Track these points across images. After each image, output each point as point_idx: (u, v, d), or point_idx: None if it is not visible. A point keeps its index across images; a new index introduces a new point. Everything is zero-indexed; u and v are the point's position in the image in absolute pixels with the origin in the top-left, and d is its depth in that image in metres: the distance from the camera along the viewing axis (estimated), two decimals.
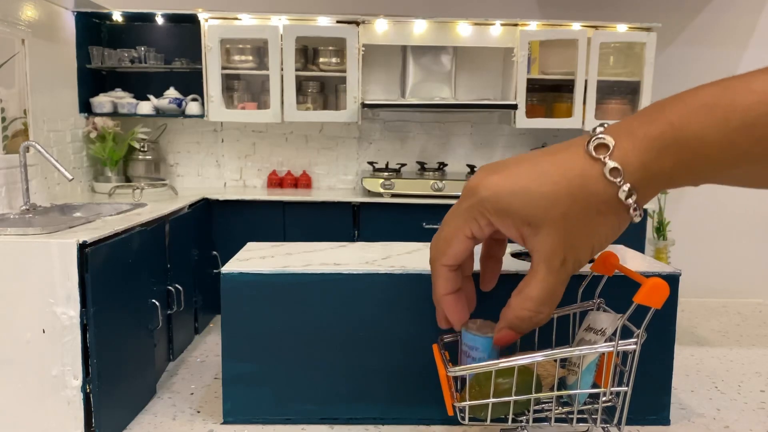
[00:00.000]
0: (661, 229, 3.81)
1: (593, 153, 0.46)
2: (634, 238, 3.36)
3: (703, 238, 4.10)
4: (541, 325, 0.53)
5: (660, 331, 2.24)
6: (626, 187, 0.46)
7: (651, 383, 2.27)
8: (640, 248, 3.37)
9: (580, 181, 0.46)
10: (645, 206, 0.45)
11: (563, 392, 1.46)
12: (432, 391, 2.20)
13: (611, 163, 0.45)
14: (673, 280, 2.22)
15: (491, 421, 0.99)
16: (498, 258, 0.62)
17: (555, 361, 1.23)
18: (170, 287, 2.76)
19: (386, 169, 3.66)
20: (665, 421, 2.34)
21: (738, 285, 4.14)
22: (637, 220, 0.48)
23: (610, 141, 0.45)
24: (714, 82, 0.43)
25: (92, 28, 3.63)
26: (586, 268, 2.34)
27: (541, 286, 0.50)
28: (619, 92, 3.74)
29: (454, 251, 0.55)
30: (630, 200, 0.46)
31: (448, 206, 3.05)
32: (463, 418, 1.19)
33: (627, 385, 1.43)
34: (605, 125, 0.47)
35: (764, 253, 4.12)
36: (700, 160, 0.43)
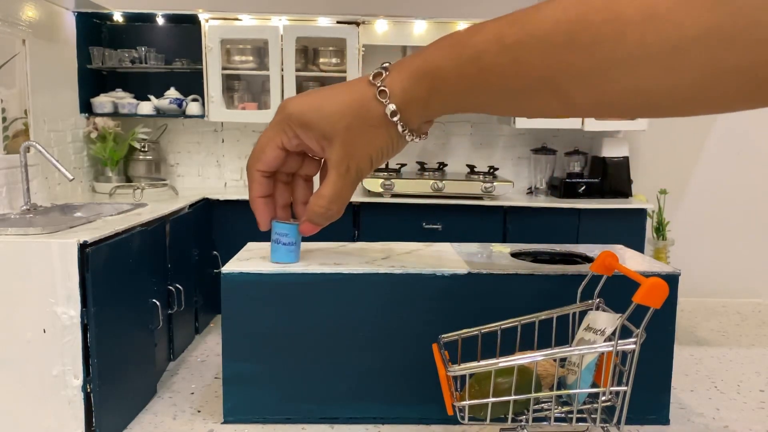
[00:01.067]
0: (660, 229, 3.82)
1: (371, 79, 0.56)
2: (634, 238, 3.37)
3: (702, 238, 4.10)
4: (333, 220, 0.65)
5: (659, 331, 2.25)
6: (391, 106, 0.55)
7: (651, 383, 2.28)
8: (640, 248, 3.37)
9: (360, 101, 0.57)
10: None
11: (563, 392, 1.47)
12: (432, 390, 2.20)
13: (381, 87, 0.56)
14: (672, 279, 2.23)
15: (491, 420, 1.00)
16: (306, 176, 0.72)
17: (554, 360, 1.24)
18: (171, 287, 2.77)
19: (386, 169, 3.66)
20: (665, 421, 2.34)
21: (737, 285, 4.14)
22: (410, 139, 0.58)
23: (384, 71, 0.56)
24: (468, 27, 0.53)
25: (93, 29, 3.64)
26: (585, 269, 2.33)
27: (331, 188, 0.62)
28: None
29: (266, 158, 0.64)
30: (395, 118, 0.56)
31: (448, 206, 3.08)
32: (462, 418, 1.20)
33: (626, 385, 1.43)
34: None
35: (764, 253, 4.12)
36: (444, 88, 0.52)
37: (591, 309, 1.63)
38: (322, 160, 0.67)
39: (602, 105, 0.46)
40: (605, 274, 1.65)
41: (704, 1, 0.37)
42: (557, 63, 0.44)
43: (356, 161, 0.60)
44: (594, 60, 0.42)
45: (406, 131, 0.57)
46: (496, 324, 1.67)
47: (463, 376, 1.52)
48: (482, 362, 1.43)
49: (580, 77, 0.44)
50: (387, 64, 0.58)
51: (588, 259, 2.35)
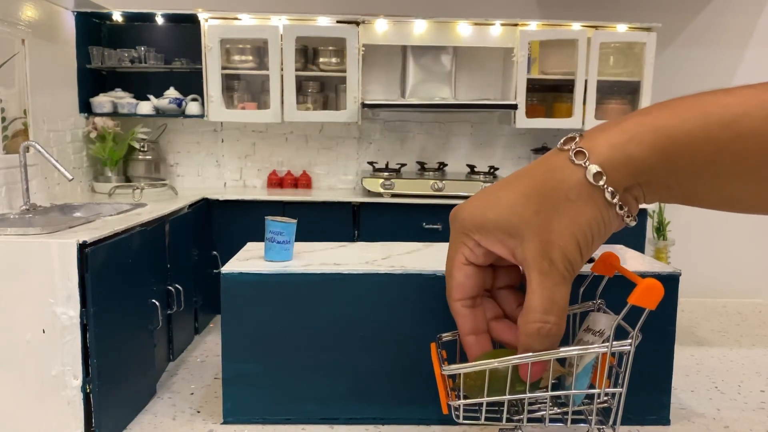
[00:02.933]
0: (661, 229, 3.81)
1: (560, 145, 0.46)
2: (634, 238, 3.37)
3: (703, 238, 4.10)
4: (557, 337, 0.51)
5: (660, 331, 2.24)
6: (593, 168, 0.44)
7: (651, 383, 2.27)
8: (640, 248, 3.37)
9: (546, 175, 0.46)
10: (641, 206, 0.44)
11: (558, 392, 1.47)
12: (432, 391, 2.20)
13: (577, 148, 0.45)
14: (672, 280, 2.22)
15: (486, 419, 1.00)
16: (508, 287, 0.57)
17: (554, 360, 1.22)
18: (170, 287, 2.77)
19: (386, 169, 3.66)
20: (665, 421, 2.34)
21: (738, 285, 4.14)
22: (623, 214, 0.46)
23: (577, 136, 0.46)
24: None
25: (92, 28, 3.63)
26: (587, 269, 2.33)
27: (538, 294, 0.48)
28: (619, 92, 3.74)
29: (457, 282, 0.53)
30: (601, 182, 0.44)
31: (449, 206, 3.05)
32: (458, 417, 1.20)
33: (621, 386, 1.43)
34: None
35: (764, 253, 4.12)
36: (677, 150, 0.42)
37: (592, 310, 1.63)
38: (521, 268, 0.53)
39: None
40: (606, 275, 1.64)
41: None
42: None
43: (559, 250, 0.46)
44: None
45: (617, 199, 0.45)
46: None
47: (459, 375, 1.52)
48: (476, 362, 1.43)
49: None
50: (576, 135, 0.47)
51: (588, 260, 2.35)
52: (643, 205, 2.90)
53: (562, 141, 0.46)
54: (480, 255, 0.51)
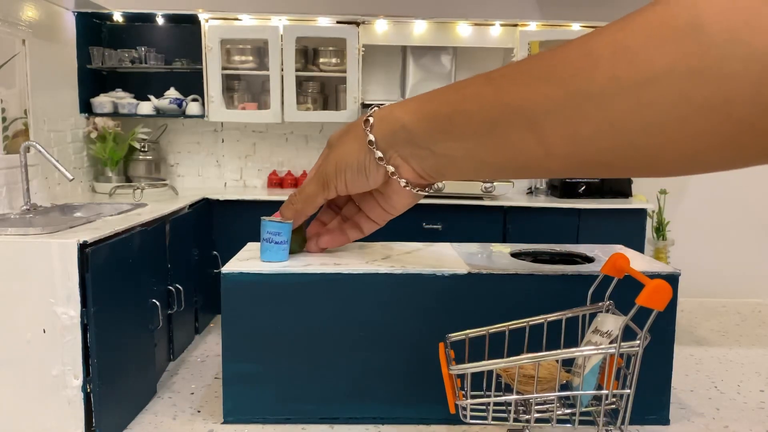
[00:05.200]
0: (660, 229, 3.82)
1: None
2: (634, 238, 3.37)
3: (702, 238, 4.10)
4: (295, 212, 0.80)
5: (659, 331, 2.25)
6: (369, 117, 0.61)
7: (651, 383, 2.28)
8: (640, 248, 3.37)
9: (354, 124, 0.64)
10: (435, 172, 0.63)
11: (565, 393, 1.47)
12: (432, 390, 2.20)
13: (375, 108, 0.62)
14: (672, 280, 2.23)
15: (493, 419, 1.00)
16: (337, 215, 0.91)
17: (557, 362, 1.23)
18: (170, 287, 2.77)
19: None
20: (665, 421, 2.34)
21: (737, 285, 4.14)
22: (378, 156, 0.61)
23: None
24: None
25: (92, 29, 3.63)
26: (586, 269, 2.34)
27: (304, 184, 0.75)
28: None
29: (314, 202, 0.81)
30: (366, 128, 0.60)
31: (449, 206, 3.08)
32: (465, 416, 1.20)
33: (629, 388, 1.43)
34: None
35: (764, 253, 4.12)
36: (426, 116, 0.55)
37: (600, 311, 1.63)
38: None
39: (578, 144, 0.44)
40: (616, 277, 1.64)
41: (673, 36, 0.36)
42: (534, 95, 0.44)
43: (325, 164, 0.68)
44: (568, 92, 0.42)
45: (373, 146, 0.60)
46: (504, 324, 1.67)
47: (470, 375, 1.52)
48: (483, 362, 1.43)
49: (554, 111, 0.43)
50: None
51: (588, 259, 2.35)
52: (643, 205, 2.88)
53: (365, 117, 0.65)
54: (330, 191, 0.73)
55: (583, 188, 3.59)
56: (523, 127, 0.46)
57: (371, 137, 0.60)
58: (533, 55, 0.47)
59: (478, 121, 0.49)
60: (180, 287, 2.81)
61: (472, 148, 0.52)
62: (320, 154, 0.73)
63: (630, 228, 3.44)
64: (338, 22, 3.52)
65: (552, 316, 1.68)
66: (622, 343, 1.37)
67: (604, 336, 1.45)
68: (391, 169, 0.60)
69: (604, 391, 1.40)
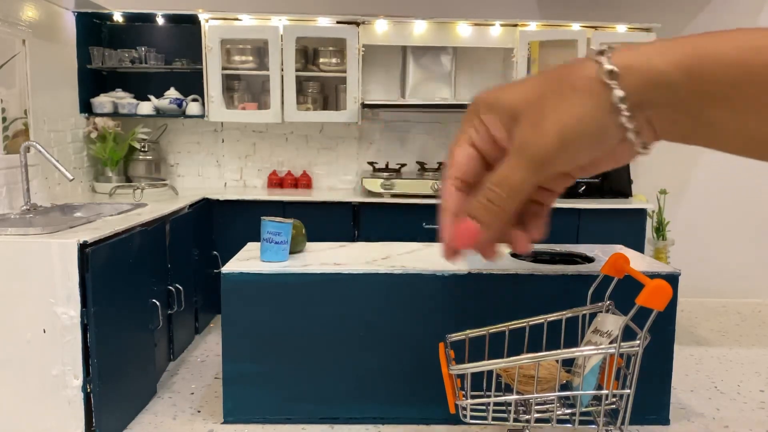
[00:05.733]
0: (660, 229, 3.82)
1: (593, 53, 0.43)
2: (634, 238, 3.37)
3: (703, 238, 4.10)
4: (496, 214, 0.47)
5: (659, 331, 2.25)
6: (609, 65, 0.41)
7: (651, 383, 2.28)
8: (640, 248, 3.37)
9: (565, 67, 0.43)
10: (644, 136, 0.43)
11: (565, 393, 1.47)
12: (432, 390, 2.20)
13: (601, 48, 0.42)
14: (672, 280, 2.23)
15: (492, 419, 1.00)
16: (538, 202, 0.52)
17: (556, 362, 1.23)
18: (170, 287, 2.77)
19: (386, 169, 3.66)
20: (665, 421, 2.34)
21: (738, 285, 4.14)
22: (626, 123, 0.42)
23: (610, 49, 0.43)
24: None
25: (93, 29, 3.63)
26: (586, 269, 2.33)
27: (501, 168, 0.45)
28: None
29: (455, 161, 0.49)
30: (612, 81, 0.41)
31: None
32: (465, 416, 1.20)
33: (629, 388, 1.43)
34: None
35: (764, 253, 4.12)
36: (703, 68, 0.40)
37: (601, 311, 1.63)
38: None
39: None
40: (616, 277, 1.64)
41: None
42: None
43: (539, 135, 0.43)
44: None
45: (623, 107, 0.41)
46: (504, 325, 1.67)
47: (470, 375, 1.52)
48: (483, 362, 1.43)
49: None
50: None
51: (588, 259, 2.35)
52: (643, 205, 2.88)
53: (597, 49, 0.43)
54: (484, 136, 0.48)
55: (583, 188, 3.59)
56: None
57: (620, 93, 0.41)
58: None
59: None
60: (180, 287, 2.81)
61: (753, 122, 0.40)
62: (458, 130, 0.50)
63: (630, 228, 3.44)
64: (338, 22, 3.52)
65: (552, 316, 1.68)
66: (622, 343, 1.37)
67: (604, 336, 1.45)
68: (633, 135, 0.43)
69: (604, 391, 1.40)
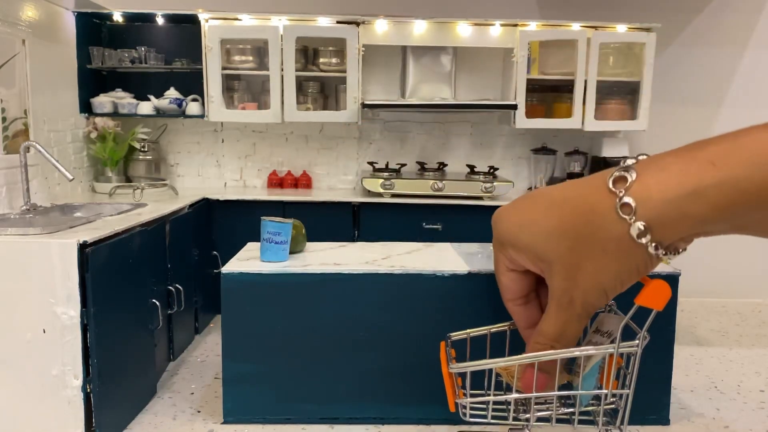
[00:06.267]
0: None
1: (610, 186, 0.42)
2: None
3: (703, 238, 4.10)
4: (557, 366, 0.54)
5: (660, 331, 2.25)
6: (639, 224, 0.41)
7: (651, 383, 2.28)
8: None
9: (588, 216, 0.44)
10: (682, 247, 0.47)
11: (565, 392, 1.47)
12: (432, 390, 2.20)
13: (625, 198, 0.42)
14: (672, 279, 2.23)
15: (492, 418, 1.00)
16: (534, 298, 0.57)
17: (562, 367, 1.22)
18: (170, 287, 2.77)
19: (386, 169, 3.66)
20: (665, 421, 2.34)
21: (738, 285, 4.14)
22: (667, 261, 0.44)
23: (631, 175, 0.42)
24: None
25: (92, 29, 3.63)
26: None
27: (551, 323, 0.49)
28: (619, 92, 3.74)
29: (504, 286, 0.54)
30: (644, 239, 0.42)
31: (448, 206, 3.08)
32: (464, 415, 1.20)
33: (628, 388, 1.43)
34: (640, 157, 0.45)
35: (764, 253, 4.12)
36: (744, 203, 0.40)
37: (602, 311, 1.63)
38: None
39: None
40: None
41: None
42: None
43: (582, 292, 0.45)
44: None
45: (660, 251, 0.43)
46: (506, 324, 1.67)
47: (470, 373, 1.52)
48: (482, 360, 1.43)
49: None
50: (632, 161, 0.44)
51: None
52: None
53: (612, 177, 0.42)
54: (518, 265, 0.51)
55: None
56: None
57: (654, 247, 0.42)
58: None
59: None
60: (180, 287, 2.81)
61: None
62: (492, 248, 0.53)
63: None
64: (338, 22, 3.52)
65: None
66: (622, 343, 1.37)
67: (605, 336, 1.45)
68: (669, 258, 0.45)
69: (603, 391, 1.40)
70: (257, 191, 3.77)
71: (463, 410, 1.17)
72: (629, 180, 0.42)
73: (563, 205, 0.45)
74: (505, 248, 0.50)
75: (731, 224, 0.42)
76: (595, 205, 0.43)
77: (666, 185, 0.41)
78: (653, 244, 0.42)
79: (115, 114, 3.62)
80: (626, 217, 0.42)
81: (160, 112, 3.67)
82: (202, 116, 3.64)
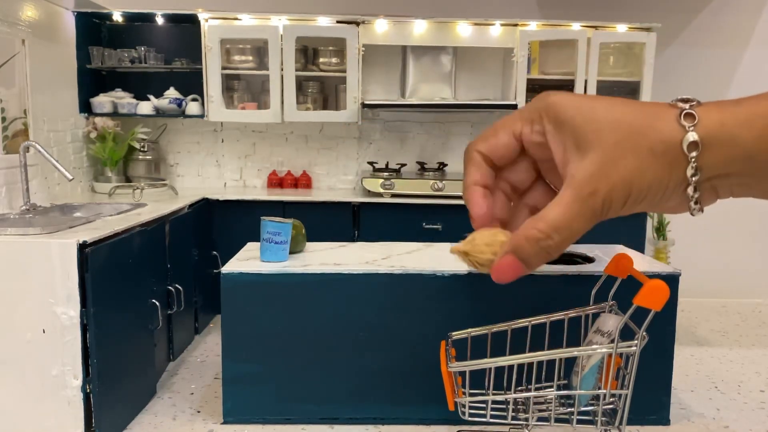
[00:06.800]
0: (661, 229, 3.82)
1: (674, 101, 0.43)
2: (634, 238, 3.37)
3: (703, 238, 4.10)
4: (547, 259, 0.46)
5: (660, 331, 2.24)
6: (692, 135, 0.41)
7: (651, 383, 2.28)
8: (640, 248, 3.37)
9: (649, 118, 0.43)
10: (704, 204, 0.43)
11: (564, 392, 1.47)
12: (432, 390, 2.20)
13: (689, 110, 0.42)
14: (672, 280, 2.23)
15: (491, 417, 1.00)
16: (532, 208, 0.52)
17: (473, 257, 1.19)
18: (170, 287, 2.76)
19: (386, 169, 3.66)
20: (665, 421, 2.34)
21: (738, 285, 4.14)
22: (691, 199, 0.43)
23: (695, 102, 0.43)
24: None
25: (92, 28, 3.63)
26: (586, 269, 2.33)
27: (560, 210, 0.44)
28: (619, 92, 3.74)
29: (494, 140, 0.48)
30: (693, 154, 0.41)
31: (448, 206, 3.08)
32: (464, 413, 1.20)
33: (627, 388, 1.43)
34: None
35: (764, 253, 4.12)
36: None
37: (603, 311, 1.63)
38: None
39: None
40: (620, 277, 1.64)
41: None
42: None
43: (609, 186, 0.43)
44: None
45: (695, 181, 0.42)
46: (506, 324, 1.67)
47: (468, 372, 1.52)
48: (481, 360, 1.43)
49: None
50: (694, 99, 0.44)
51: (588, 260, 2.35)
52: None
53: (678, 98, 0.43)
54: (534, 141, 0.47)
55: None
56: None
57: (694, 169, 0.42)
58: None
59: None
60: (180, 287, 2.81)
61: None
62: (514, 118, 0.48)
63: (630, 228, 3.44)
64: (338, 22, 3.52)
65: (555, 316, 1.68)
66: (620, 343, 1.37)
67: (605, 336, 1.45)
68: (693, 200, 0.44)
69: (602, 391, 1.39)
70: (257, 191, 3.77)
71: (462, 409, 1.17)
72: (694, 102, 0.42)
73: (628, 106, 0.44)
74: (544, 118, 0.46)
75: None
76: (659, 111, 0.43)
77: (724, 113, 0.41)
78: (694, 164, 0.41)
79: (114, 114, 3.62)
80: (685, 124, 0.41)
81: (159, 112, 3.67)
82: (201, 116, 3.63)
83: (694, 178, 0.42)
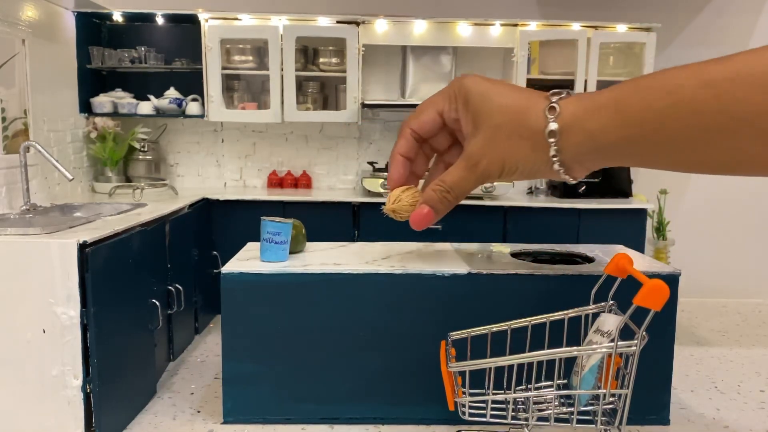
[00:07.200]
0: (661, 229, 3.81)
1: (549, 94, 0.53)
2: (635, 238, 3.37)
3: (703, 238, 4.10)
4: (449, 208, 0.62)
5: (660, 331, 2.25)
6: (553, 125, 0.51)
7: (651, 383, 2.28)
8: (640, 248, 3.37)
9: (524, 107, 0.53)
10: (587, 171, 0.57)
11: (564, 392, 1.47)
12: (432, 390, 2.20)
13: (553, 103, 0.51)
14: (672, 280, 2.23)
15: (491, 416, 1.00)
16: (448, 164, 0.65)
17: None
18: (170, 287, 2.77)
19: (386, 169, 3.66)
20: (665, 421, 2.34)
21: (738, 285, 4.14)
22: (558, 169, 0.53)
23: (566, 94, 0.52)
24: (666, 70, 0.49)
25: (92, 28, 3.63)
26: (586, 269, 2.33)
27: (454, 176, 0.58)
28: None
29: (422, 118, 0.62)
30: (552, 140, 0.51)
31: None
32: (464, 413, 1.20)
33: (627, 388, 1.43)
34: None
35: (764, 253, 4.12)
36: (624, 118, 0.48)
37: (603, 311, 1.63)
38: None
39: None
40: (620, 277, 1.64)
41: None
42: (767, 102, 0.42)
43: (488, 161, 0.56)
44: None
45: (557, 159, 0.52)
46: (506, 323, 1.67)
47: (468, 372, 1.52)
48: (480, 360, 1.43)
49: None
50: (568, 92, 0.54)
51: (588, 260, 2.35)
52: (643, 205, 2.87)
53: (554, 91, 0.53)
54: (452, 118, 0.60)
55: (583, 188, 3.59)
56: (749, 136, 0.43)
57: (555, 150, 0.52)
58: (755, 57, 0.43)
59: (689, 128, 0.45)
60: (180, 287, 2.81)
61: (665, 153, 0.48)
62: (439, 96, 0.60)
63: (630, 228, 3.44)
64: (338, 22, 3.52)
65: (555, 316, 1.68)
66: (620, 343, 1.37)
67: (605, 336, 1.45)
68: (562, 171, 0.54)
69: (602, 391, 1.40)
70: (257, 191, 3.77)
71: (462, 409, 1.17)
72: (563, 95, 0.52)
73: (515, 93, 0.55)
74: (456, 100, 0.58)
75: (623, 156, 0.50)
76: (534, 101, 0.53)
77: (579, 103, 0.51)
78: (555, 148, 0.51)
79: (114, 114, 3.62)
80: (549, 117, 0.51)
81: (159, 112, 3.67)
82: (201, 116, 3.64)
83: (555, 158, 0.52)
